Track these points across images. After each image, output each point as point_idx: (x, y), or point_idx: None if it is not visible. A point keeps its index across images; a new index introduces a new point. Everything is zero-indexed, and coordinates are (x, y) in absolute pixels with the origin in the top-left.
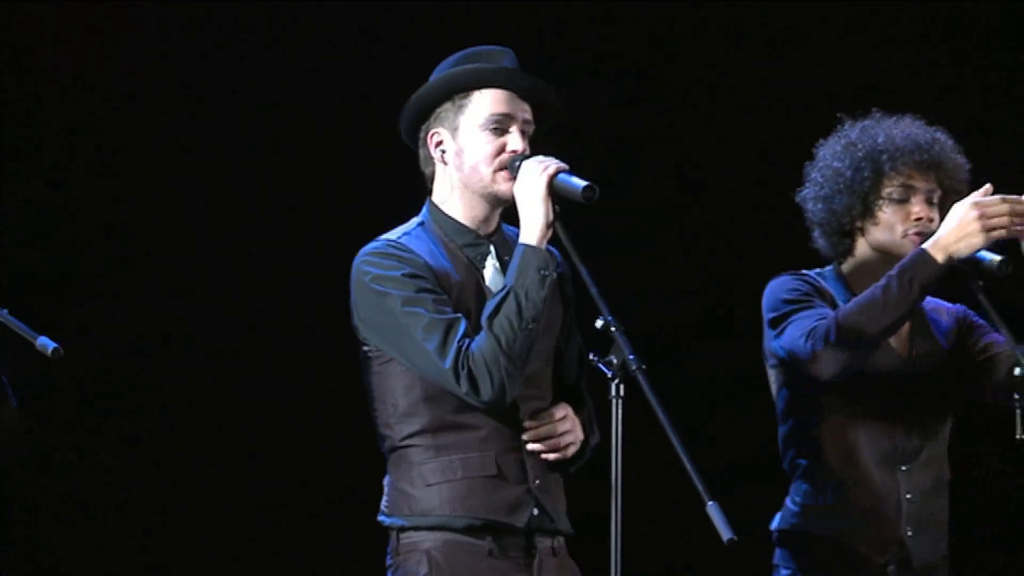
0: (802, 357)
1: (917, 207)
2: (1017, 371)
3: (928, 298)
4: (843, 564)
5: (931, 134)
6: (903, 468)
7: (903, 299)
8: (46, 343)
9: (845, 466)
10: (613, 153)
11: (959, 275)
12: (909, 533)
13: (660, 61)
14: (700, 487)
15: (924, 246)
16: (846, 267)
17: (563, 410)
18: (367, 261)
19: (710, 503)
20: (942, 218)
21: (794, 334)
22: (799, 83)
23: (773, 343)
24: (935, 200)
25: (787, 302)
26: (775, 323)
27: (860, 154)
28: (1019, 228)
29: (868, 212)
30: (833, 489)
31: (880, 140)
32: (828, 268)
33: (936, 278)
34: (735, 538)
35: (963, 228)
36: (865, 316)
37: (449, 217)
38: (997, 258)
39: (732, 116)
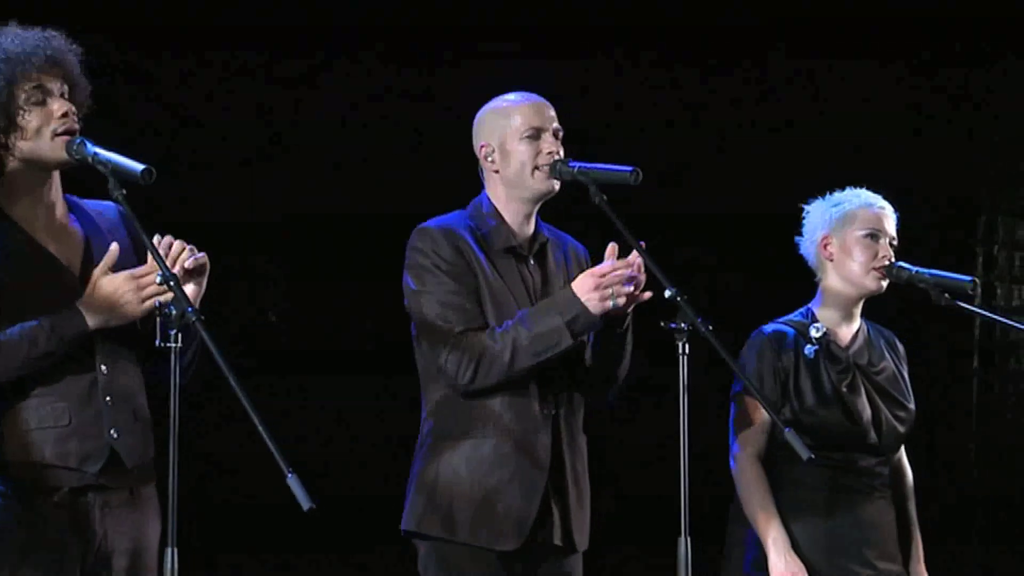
0: None
1: (55, 105)
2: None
3: None
4: (39, 477)
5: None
6: (103, 370)
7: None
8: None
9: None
10: None
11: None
12: (115, 435)
13: None
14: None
15: (80, 304)
16: None
17: None
18: None
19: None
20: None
21: None
22: None
23: None
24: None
25: None
26: None
27: None
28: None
29: (13, 124)
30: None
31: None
32: None
33: (77, 340)
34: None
35: (119, 300)
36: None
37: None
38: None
39: None
